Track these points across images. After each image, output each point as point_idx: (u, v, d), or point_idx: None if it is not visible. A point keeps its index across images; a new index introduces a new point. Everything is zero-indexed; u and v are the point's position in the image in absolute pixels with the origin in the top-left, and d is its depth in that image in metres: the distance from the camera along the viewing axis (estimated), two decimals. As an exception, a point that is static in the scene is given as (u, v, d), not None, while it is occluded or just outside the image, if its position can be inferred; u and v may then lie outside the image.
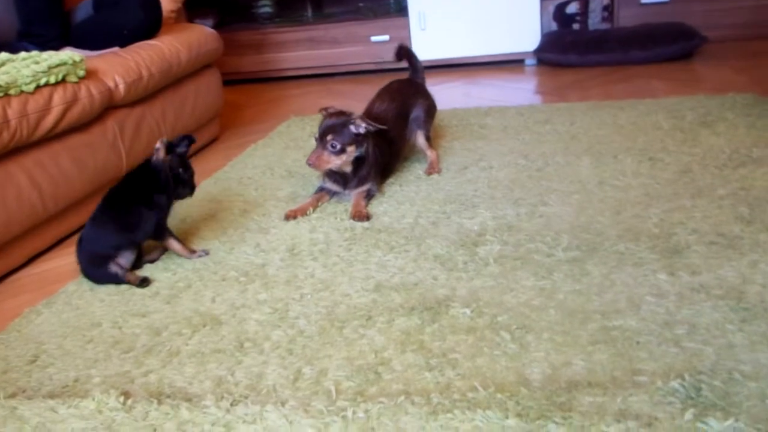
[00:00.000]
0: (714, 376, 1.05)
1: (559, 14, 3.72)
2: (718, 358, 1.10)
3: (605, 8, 3.65)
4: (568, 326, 1.23)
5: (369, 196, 1.92)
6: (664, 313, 1.23)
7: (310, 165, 1.85)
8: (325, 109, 1.93)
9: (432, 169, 2.09)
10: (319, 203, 1.94)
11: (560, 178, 1.93)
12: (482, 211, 1.77)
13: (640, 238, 1.52)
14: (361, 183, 1.92)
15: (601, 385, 1.07)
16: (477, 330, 1.25)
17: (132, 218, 1.62)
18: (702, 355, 1.11)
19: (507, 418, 1.01)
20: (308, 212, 1.88)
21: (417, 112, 2.14)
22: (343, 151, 1.83)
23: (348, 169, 1.90)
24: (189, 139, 1.70)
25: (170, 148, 1.63)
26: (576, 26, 3.70)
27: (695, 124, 2.26)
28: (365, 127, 1.83)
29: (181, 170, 1.65)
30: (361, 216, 1.81)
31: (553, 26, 3.73)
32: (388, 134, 2.02)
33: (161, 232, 1.66)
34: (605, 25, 3.67)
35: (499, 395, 1.07)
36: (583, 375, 1.10)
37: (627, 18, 3.58)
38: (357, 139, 1.85)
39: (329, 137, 1.82)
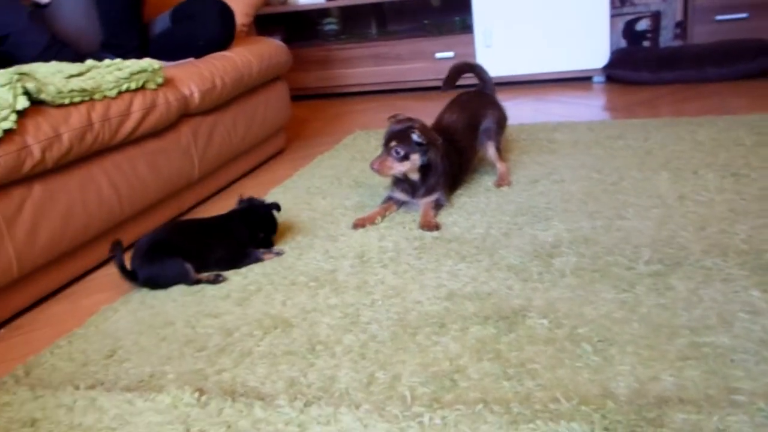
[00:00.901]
0: (820, 398, 0.98)
1: (629, 31, 3.64)
2: (824, 379, 1.02)
3: (677, 25, 3.55)
4: (653, 340, 1.17)
5: (438, 206, 1.90)
6: (760, 331, 1.16)
7: (373, 170, 1.85)
8: (394, 116, 1.93)
9: (502, 182, 2.06)
10: (387, 213, 1.92)
11: (637, 193, 1.86)
12: (556, 223, 1.72)
13: (727, 253, 1.45)
14: (429, 192, 1.90)
15: (695, 403, 1.00)
16: (556, 341, 1.21)
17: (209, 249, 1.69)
18: (805, 375, 1.04)
19: (593, 431, 0.96)
20: (376, 221, 1.87)
21: (487, 123, 2.12)
22: (406, 157, 1.83)
23: (415, 176, 1.88)
24: (276, 206, 1.77)
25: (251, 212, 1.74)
26: (646, 43, 3.62)
27: (780, 141, 2.16)
28: (418, 137, 1.82)
29: (262, 234, 1.75)
30: (430, 226, 1.78)
31: (622, 43, 3.65)
32: (457, 144, 2.00)
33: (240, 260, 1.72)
34: (677, 42, 3.57)
35: (583, 408, 1.02)
36: (674, 391, 1.04)
37: (701, 35, 3.47)
38: (421, 147, 1.83)
39: (393, 143, 1.82)
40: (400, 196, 1.94)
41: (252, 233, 1.72)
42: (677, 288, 1.34)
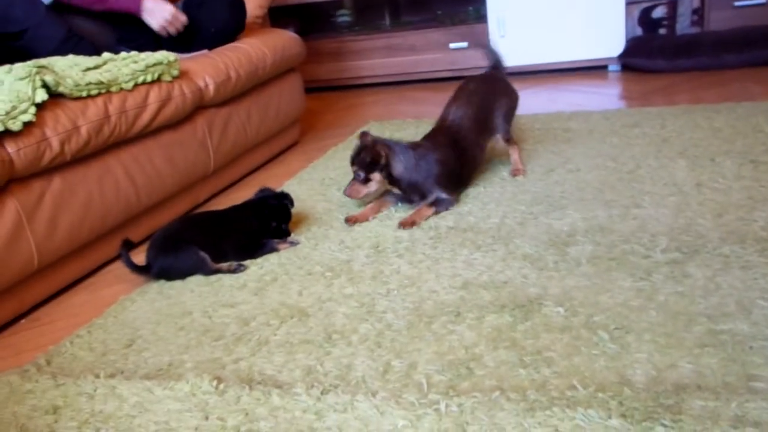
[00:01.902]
0: (841, 385, 0.97)
1: (645, 19, 3.60)
2: None
3: (695, 12, 3.50)
4: (671, 328, 1.17)
5: (440, 205, 1.85)
6: (780, 318, 1.15)
7: (348, 196, 1.88)
8: (362, 135, 1.90)
9: (517, 171, 2.04)
10: (382, 209, 1.92)
11: (653, 181, 1.85)
12: (571, 212, 1.71)
13: (746, 241, 1.43)
14: (423, 196, 1.86)
15: (713, 390, 1.00)
16: (572, 329, 1.20)
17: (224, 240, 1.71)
18: (825, 362, 1.03)
19: (610, 418, 0.96)
20: (369, 219, 1.87)
21: (497, 115, 2.05)
22: (368, 180, 1.84)
23: (395, 189, 1.89)
24: (288, 198, 1.77)
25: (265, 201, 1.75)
26: (663, 31, 3.57)
27: (800, 128, 2.13)
28: (366, 157, 1.82)
29: (274, 223, 1.74)
30: (405, 223, 1.78)
31: (638, 31, 3.61)
32: (462, 143, 1.95)
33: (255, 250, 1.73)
34: (694, 29, 3.52)
35: (600, 395, 1.02)
36: (692, 378, 1.03)
37: (719, 21, 3.43)
38: (378, 165, 1.82)
39: (354, 168, 1.85)
40: (397, 197, 1.95)
41: (265, 223, 1.73)
42: (695, 275, 1.33)
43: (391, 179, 1.86)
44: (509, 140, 2.09)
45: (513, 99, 2.14)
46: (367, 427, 1.02)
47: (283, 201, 1.76)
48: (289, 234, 1.78)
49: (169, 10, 2.25)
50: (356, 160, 1.85)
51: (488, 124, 2.05)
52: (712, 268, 1.35)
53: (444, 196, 1.87)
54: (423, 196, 1.86)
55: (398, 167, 1.84)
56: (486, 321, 1.27)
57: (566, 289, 1.35)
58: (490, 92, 2.10)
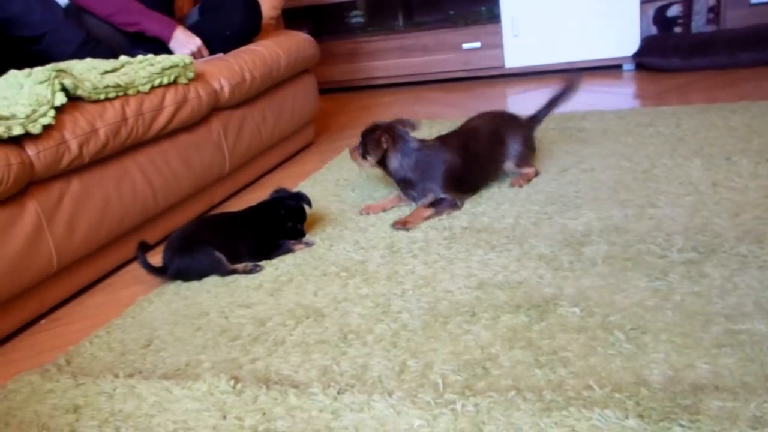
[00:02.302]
0: None
1: (660, 17, 3.58)
2: None
3: (710, 10, 3.48)
4: (688, 328, 1.16)
5: (441, 206, 1.84)
6: (798, 318, 1.14)
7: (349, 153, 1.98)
8: (394, 122, 1.94)
9: (519, 179, 1.99)
10: (400, 203, 1.97)
11: (669, 180, 1.84)
12: (586, 212, 1.71)
13: (763, 240, 1.42)
14: (422, 194, 1.88)
15: (731, 390, 0.99)
16: (588, 329, 1.20)
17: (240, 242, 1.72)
18: None
19: (627, 418, 0.96)
20: (385, 209, 1.95)
21: (515, 144, 2.00)
22: (364, 156, 1.91)
23: (390, 178, 1.96)
24: (304, 199, 1.79)
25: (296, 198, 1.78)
26: (678, 29, 3.55)
27: (817, 126, 2.11)
28: (372, 143, 1.88)
29: (290, 223, 1.76)
30: (398, 223, 1.80)
31: (653, 30, 3.59)
32: (470, 146, 1.92)
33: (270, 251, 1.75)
34: (710, 28, 3.50)
35: (617, 395, 1.01)
36: (709, 378, 1.03)
37: (735, 20, 3.40)
38: (375, 152, 1.87)
39: (359, 141, 1.92)
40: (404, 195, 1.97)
41: (280, 223, 1.74)
42: (712, 275, 1.32)
43: (386, 170, 1.93)
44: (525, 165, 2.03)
45: (531, 137, 2.07)
46: (383, 426, 1.02)
47: (300, 202, 1.77)
48: (304, 234, 1.79)
49: (197, 43, 2.32)
50: (364, 134, 1.92)
51: (506, 151, 2.00)
52: (729, 267, 1.34)
53: (442, 193, 1.85)
54: (422, 195, 1.88)
55: (393, 163, 1.90)
56: (501, 321, 1.27)
57: (582, 289, 1.34)
58: (511, 123, 2.05)
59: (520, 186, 1.97)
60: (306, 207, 1.78)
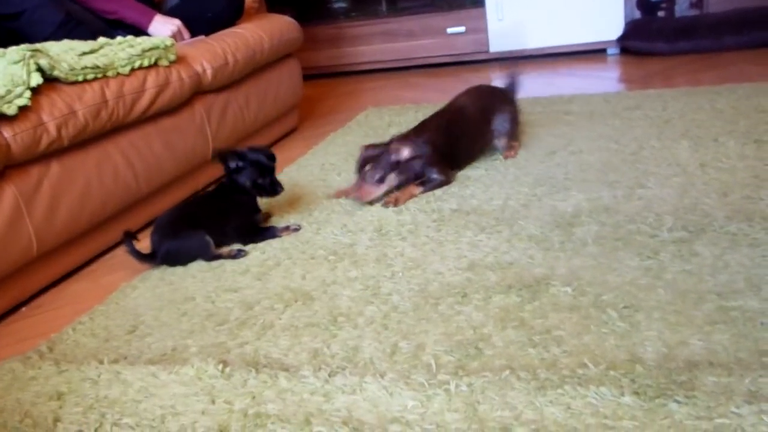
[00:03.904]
0: None
1: (644, 1, 3.58)
2: None
3: (694, -6, 3.48)
4: (680, 306, 1.16)
5: (430, 183, 1.86)
6: (790, 294, 1.14)
7: (356, 199, 1.84)
8: (365, 146, 1.89)
9: (509, 151, 2.04)
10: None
11: (657, 162, 1.84)
12: (575, 193, 1.70)
13: (753, 219, 1.42)
14: (417, 176, 1.86)
15: (725, 366, 0.99)
16: (581, 308, 1.19)
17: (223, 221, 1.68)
18: (838, 337, 1.02)
19: (623, 395, 0.95)
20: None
21: (501, 120, 2.03)
22: (382, 180, 1.81)
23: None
24: (266, 153, 1.72)
25: (241, 156, 1.68)
26: (661, 13, 3.55)
27: (802, 107, 2.12)
28: (409, 153, 1.80)
29: (260, 180, 1.68)
30: (388, 201, 1.80)
31: (637, 14, 3.59)
32: (461, 124, 1.96)
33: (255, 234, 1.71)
34: (694, 12, 3.50)
35: (611, 372, 1.01)
36: (703, 355, 1.02)
37: (718, 3, 3.41)
38: (398, 166, 1.81)
39: (368, 168, 1.81)
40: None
41: (257, 186, 1.69)
42: (702, 254, 1.32)
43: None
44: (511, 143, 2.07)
45: (517, 112, 2.10)
46: (376, 408, 1.01)
47: (257, 155, 1.69)
48: (281, 186, 1.71)
49: (176, 23, 2.27)
50: (375, 159, 1.81)
51: (492, 127, 2.03)
52: (719, 246, 1.34)
53: (431, 172, 1.87)
54: (416, 178, 1.87)
55: (427, 167, 1.87)
56: (493, 301, 1.26)
57: (573, 269, 1.33)
58: (498, 98, 2.08)
59: (513, 157, 2.02)
60: (264, 159, 1.70)
